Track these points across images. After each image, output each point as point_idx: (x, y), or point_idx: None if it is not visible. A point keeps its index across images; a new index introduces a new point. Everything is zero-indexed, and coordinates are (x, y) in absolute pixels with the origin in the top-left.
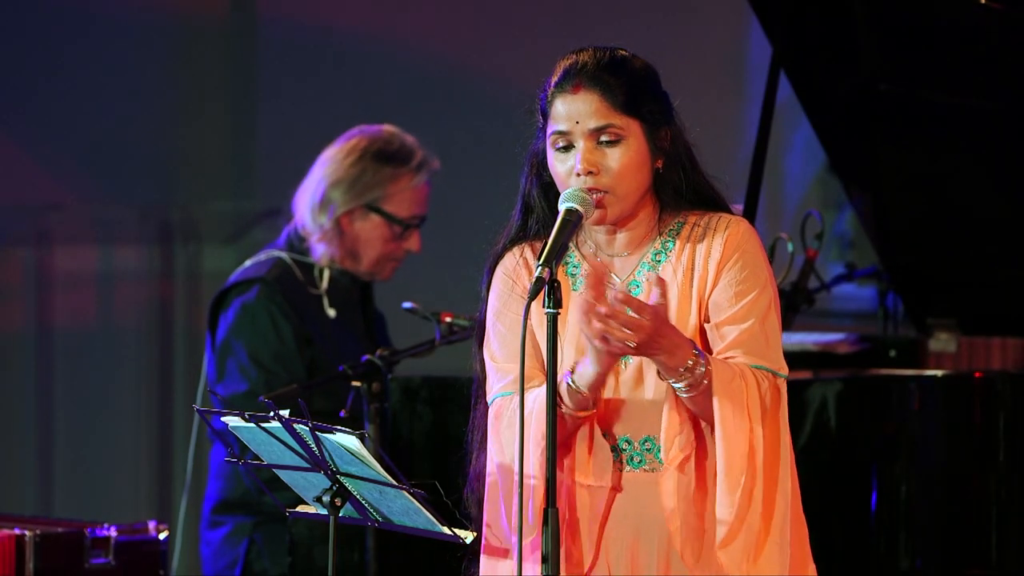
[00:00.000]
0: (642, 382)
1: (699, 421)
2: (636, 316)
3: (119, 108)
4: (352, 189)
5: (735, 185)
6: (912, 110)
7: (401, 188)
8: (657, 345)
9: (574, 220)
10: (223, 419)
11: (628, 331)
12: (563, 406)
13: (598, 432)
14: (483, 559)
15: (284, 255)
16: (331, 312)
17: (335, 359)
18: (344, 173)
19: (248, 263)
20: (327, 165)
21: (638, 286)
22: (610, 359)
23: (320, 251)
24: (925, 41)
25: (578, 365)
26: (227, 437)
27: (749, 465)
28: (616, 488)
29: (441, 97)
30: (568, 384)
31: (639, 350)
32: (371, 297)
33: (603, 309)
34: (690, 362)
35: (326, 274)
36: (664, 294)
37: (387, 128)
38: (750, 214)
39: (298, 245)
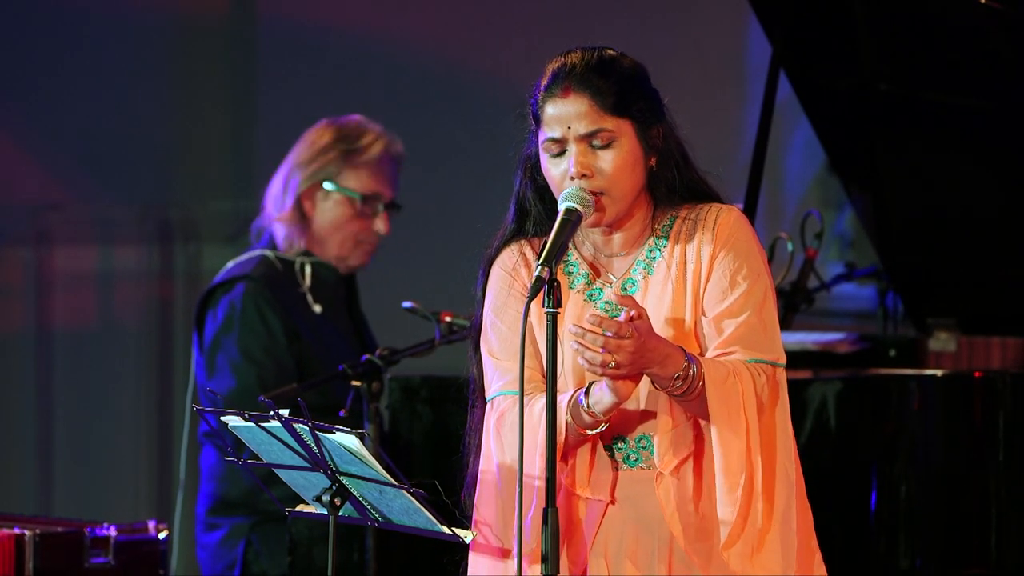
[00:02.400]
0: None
1: (698, 421)
2: (613, 336)
3: (119, 108)
4: (307, 167)
5: (735, 185)
6: (912, 110)
7: (355, 163)
8: (645, 360)
9: (574, 220)
10: (222, 418)
11: (608, 353)
12: (571, 422)
13: (601, 447)
14: (471, 556)
15: (268, 252)
16: (317, 308)
17: (323, 354)
18: (303, 156)
19: (231, 263)
20: (291, 154)
21: (634, 284)
22: (626, 388)
23: (282, 235)
24: (925, 41)
25: (594, 389)
26: (224, 436)
27: (747, 463)
28: (612, 502)
29: (441, 97)
30: (582, 406)
31: (628, 368)
32: (356, 294)
33: (574, 329)
34: (681, 371)
35: (308, 270)
36: (637, 309)
37: (351, 117)
38: (750, 214)
39: (275, 242)
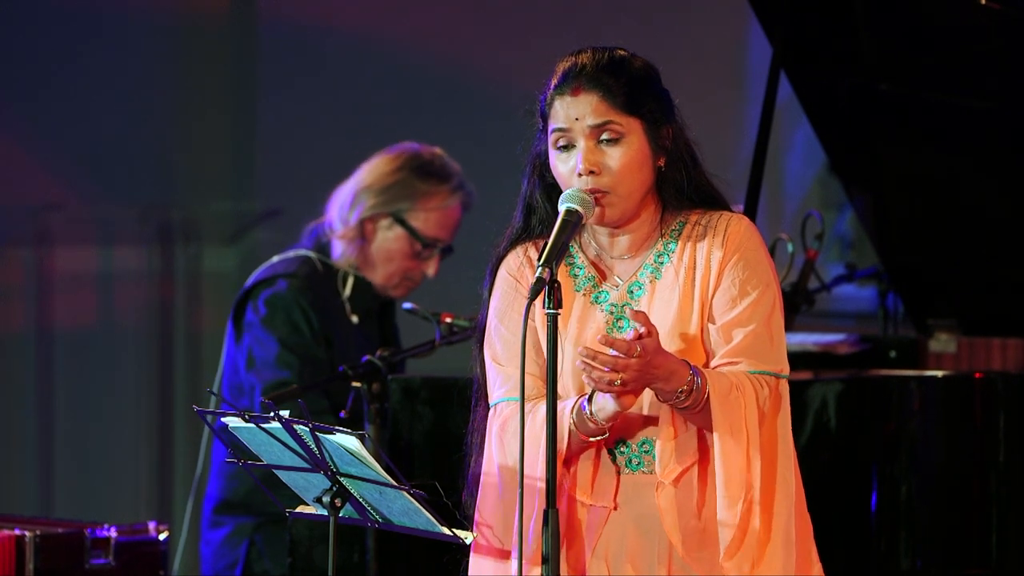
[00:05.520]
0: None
1: (703, 430)
2: (621, 356)
3: (119, 108)
4: (382, 195)
5: (736, 185)
6: (912, 110)
7: (431, 206)
8: (650, 376)
9: (574, 221)
10: (223, 419)
11: (615, 372)
12: (574, 429)
13: (605, 454)
14: (473, 557)
15: (312, 254)
16: (354, 319)
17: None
18: (379, 179)
19: (275, 259)
20: (366, 169)
21: (641, 287)
22: (629, 400)
23: (339, 250)
24: (925, 41)
25: (597, 396)
26: (223, 438)
27: (747, 475)
28: (614, 508)
29: (441, 98)
30: (585, 413)
31: (633, 384)
32: (391, 310)
33: (582, 351)
34: (686, 385)
35: (350, 280)
36: (647, 326)
37: (435, 149)
38: (750, 214)
39: (325, 247)
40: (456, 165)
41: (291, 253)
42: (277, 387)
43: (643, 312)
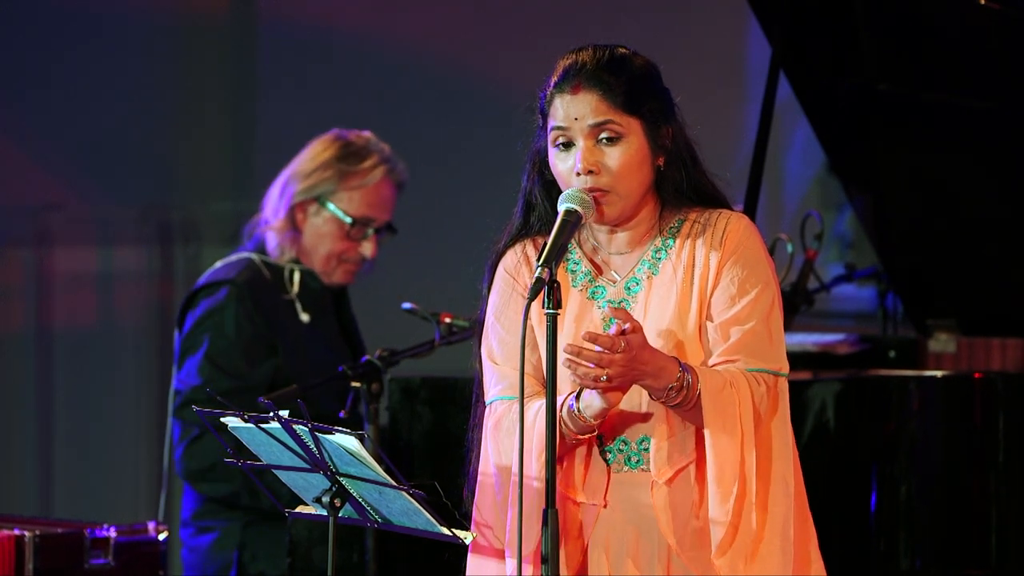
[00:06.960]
0: (639, 387)
1: (700, 429)
2: (605, 352)
3: (119, 108)
4: (306, 181)
5: (735, 185)
6: (912, 110)
7: (352, 185)
8: (638, 372)
9: (573, 221)
10: (223, 419)
11: (599, 368)
12: (564, 427)
13: (596, 452)
14: (471, 557)
15: (254, 256)
16: (304, 317)
17: (305, 365)
18: (303, 167)
19: (218, 264)
20: (294, 161)
21: (638, 283)
22: (615, 396)
23: (273, 243)
24: (925, 41)
25: (584, 393)
26: (220, 436)
27: (741, 473)
28: (604, 506)
29: (441, 98)
30: (573, 410)
31: (620, 381)
32: (347, 300)
33: (569, 349)
34: (675, 383)
35: (296, 277)
36: (631, 323)
37: (364, 132)
38: (750, 214)
39: (263, 243)
40: (383, 145)
41: (233, 257)
42: (195, 394)
43: (623, 308)
